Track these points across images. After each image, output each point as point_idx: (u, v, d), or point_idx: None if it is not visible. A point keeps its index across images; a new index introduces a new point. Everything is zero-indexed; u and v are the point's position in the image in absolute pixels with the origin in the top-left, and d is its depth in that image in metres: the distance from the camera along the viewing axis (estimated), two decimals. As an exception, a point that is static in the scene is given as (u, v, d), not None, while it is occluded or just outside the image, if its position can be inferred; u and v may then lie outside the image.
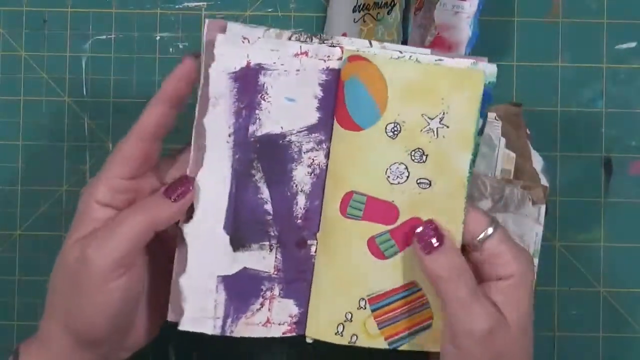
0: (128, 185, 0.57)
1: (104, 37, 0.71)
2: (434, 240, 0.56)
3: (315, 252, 0.59)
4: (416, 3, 0.67)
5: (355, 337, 0.59)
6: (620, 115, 0.71)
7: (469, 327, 0.55)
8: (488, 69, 0.56)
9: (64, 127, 0.71)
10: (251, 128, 0.57)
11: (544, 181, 0.68)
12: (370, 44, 0.57)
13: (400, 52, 0.57)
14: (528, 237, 0.68)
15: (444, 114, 0.56)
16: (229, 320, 0.59)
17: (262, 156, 0.58)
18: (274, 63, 0.57)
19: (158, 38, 0.71)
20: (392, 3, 0.67)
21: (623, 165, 0.71)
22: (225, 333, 0.59)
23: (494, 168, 0.67)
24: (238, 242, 0.58)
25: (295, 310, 0.60)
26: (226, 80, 0.57)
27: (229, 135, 0.57)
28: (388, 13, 0.67)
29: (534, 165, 0.68)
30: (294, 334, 0.60)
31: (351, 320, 0.59)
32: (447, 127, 0.56)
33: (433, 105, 0.56)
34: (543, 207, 0.67)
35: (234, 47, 0.56)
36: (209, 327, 0.58)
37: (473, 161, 0.57)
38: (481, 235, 0.56)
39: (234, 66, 0.57)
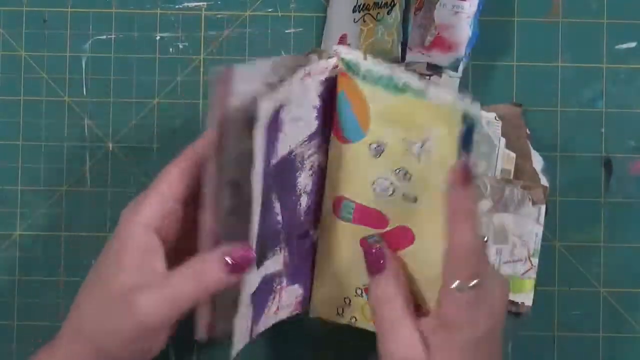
0: (176, 209, 0.57)
1: (104, 37, 0.71)
2: (376, 265, 0.57)
3: (317, 239, 0.61)
4: (416, 3, 0.67)
5: (354, 318, 0.62)
6: (620, 115, 0.71)
7: (389, 355, 0.56)
8: (472, 109, 0.54)
9: (64, 127, 0.71)
10: (272, 160, 0.56)
11: (544, 181, 0.68)
12: (365, 57, 0.57)
13: (391, 71, 0.56)
14: (528, 237, 0.68)
15: (424, 141, 0.56)
16: (255, 326, 0.59)
17: (277, 178, 0.57)
18: (288, 97, 0.56)
19: (158, 38, 0.71)
20: (392, 3, 0.67)
21: (623, 165, 0.71)
22: (252, 338, 0.59)
23: (494, 168, 0.67)
24: (261, 259, 0.58)
25: (300, 291, 0.62)
26: (263, 133, 0.55)
27: (262, 176, 0.56)
28: (388, 13, 0.67)
29: (534, 165, 0.68)
30: (298, 311, 0.62)
31: (350, 305, 0.62)
32: (430, 152, 0.56)
33: (414, 132, 0.56)
34: (543, 207, 0.67)
35: (268, 101, 0.54)
36: (245, 341, 0.59)
37: None
38: (456, 284, 0.54)
39: (267, 118, 0.55)
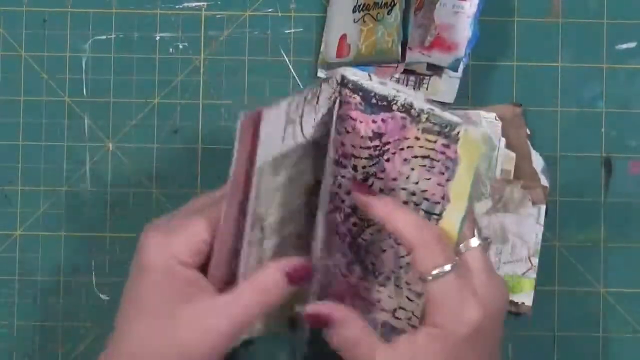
0: (204, 249, 0.55)
1: (104, 37, 0.71)
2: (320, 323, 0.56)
3: None
4: (416, 3, 0.67)
5: None
6: (620, 115, 0.71)
7: None
8: (482, 136, 0.55)
9: (64, 127, 0.71)
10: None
11: (544, 181, 0.68)
12: (370, 77, 0.57)
13: (397, 91, 0.56)
14: (528, 237, 0.68)
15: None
16: None
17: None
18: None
19: (158, 38, 0.71)
20: (392, 3, 0.67)
21: (623, 165, 0.71)
22: None
23: (494, 168, 0.67)
24: None
25: None
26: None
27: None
28: (388, 13, 0.67)
29: (533, 165, 0.68)
30: None
31: None
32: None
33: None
34: (543, 207, 0.67)
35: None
36: None
37: (464, 220, 0.56)
38: (432, 274, 0.54)
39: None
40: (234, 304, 0.53)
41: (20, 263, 0.70)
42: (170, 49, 0.71)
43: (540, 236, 0.68)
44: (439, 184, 0.56)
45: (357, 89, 0.57)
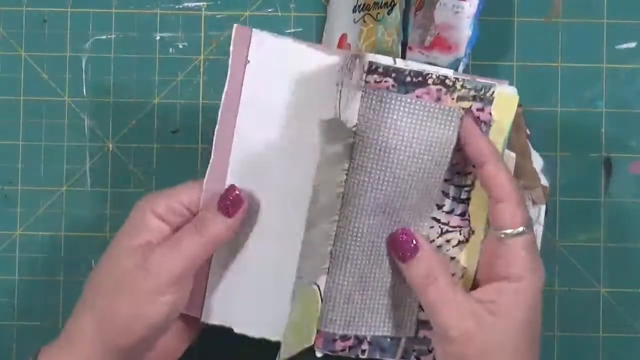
0: (184, 212, 0.59)
1: (104, 37, 0.71)
2: (409, 249, 0.58)
3: None
4: (416, 3, 0.67)
5: None
6: (620, 115, 0.71)
7: (443, 330, 0.56)
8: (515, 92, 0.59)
9: (64, 127, 0.71)
10: None
11: (544, 181, 0.68)
12: (395, 60, 0.58)
13: (425, 68, 0.58)
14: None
15: None
16: None
17: None
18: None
19: (158, 38, 0.71)
20: (392, 3, 0.67)
21: (623, 165, 0.71)
22: None
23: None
24: None
25: None
26: None
27: None
28: (388, 13, 0.67)
29: (534, 166, 0.68)
30: None
31: None
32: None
33: None
34: (543, 207, 0.67)
35: None
36: None
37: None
38: (508, 231, 0.56)
39: None
40: (177, 242, 0.57)
41: (20, 263, 0.70)
42: (170, 49, 0.71)
43: (540, 236, 0.67)
44: None
45: (388, 71, 0.57)
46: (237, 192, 0.58)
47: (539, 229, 0.67)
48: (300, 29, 0.71)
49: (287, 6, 0.71)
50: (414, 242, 0.58)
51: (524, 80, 0.71)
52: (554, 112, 0.71)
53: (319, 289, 0.59)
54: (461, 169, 0.58)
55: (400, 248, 0.58)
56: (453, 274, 0.59)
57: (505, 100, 0.58)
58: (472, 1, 0.66)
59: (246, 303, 0.60)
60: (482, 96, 0.58)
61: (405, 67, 0.57)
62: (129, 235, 0.58)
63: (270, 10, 0.71)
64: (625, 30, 0.71)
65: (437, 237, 0.59)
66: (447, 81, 0.58)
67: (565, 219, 0.70)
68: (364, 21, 0.68)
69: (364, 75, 0.57)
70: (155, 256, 0.56)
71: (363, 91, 0.57)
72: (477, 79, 0.58)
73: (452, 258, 0.59)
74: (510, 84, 0.59)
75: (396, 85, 0.57)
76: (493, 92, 0.58)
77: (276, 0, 0.71)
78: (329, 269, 0.59)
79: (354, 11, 0.69)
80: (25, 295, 0.70)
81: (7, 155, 0.70)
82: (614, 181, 0.71)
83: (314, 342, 0.59)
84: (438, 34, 0.67)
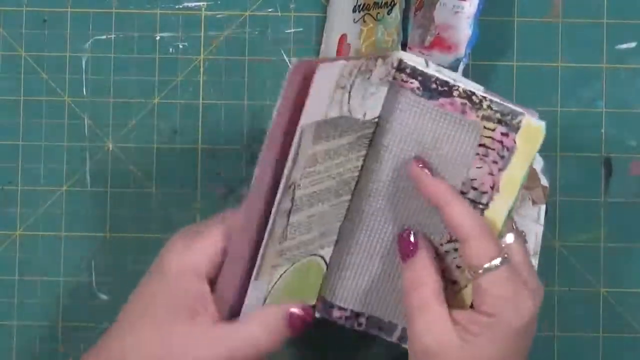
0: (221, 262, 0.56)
1: (104, 37, 0.71)
2: (408, 249, 0.57)
3: None
4: (416, 3, 0.67)
5: None
6: (620, 115, 0.71)
7: (416, 338, 0.55)
8: (543, 127, 0.56)
9: (64, 127, 0.71)
10: None
11: (544, 181, 0.68)
12: (427, 63, 0.57)
13: (455, 80, 0.57)
14: (528, 237, 0.68)
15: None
16: None
17: None
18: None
19: (158, 38, 0.71)
20: (392, 3, 0.67)
21: (623, 165, 0.71)
22: None
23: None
24: None
25: None
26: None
27: None
28: (388, 13, 0.67)
29: (534, 166, 0.68)
30: None
31: None
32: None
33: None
34: (543, 207, 0.67)
35: None
36: None
37: (511, 212, 0.57)
38: (486, 266, 0.54)
39: None
40: (231, 337, 0.54)
41: (20, 263, 0.70)
42: (170, 49, 0.71)
43: (540, 236, 0.67)
44: (490, 173, 0.57)
45: (415, 73, 0.57)
46: (309, 311, 0.57)
47: (539, 229, 0.67)
48: (300, 29, 0.71)
49: (287, 6, 0.71)
50: (414, 244, 0.57)
51: (524, 80, 0.71)
52: (554, 112, 0.71)
53: (324, 260, 0.60)
54: (478, 186, 0.57)
55: (401, 246, 0.58)
56: (455, 282, 0.58)
57: (532, 132, 0.56)
58: (472, 1, 0.66)
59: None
60: (508, 121, 0.56)
61: (434, 74, 0.57)
62: (169, 301, 0.54)
63: (270, 10, 0.71)
64: (625, 30, 0.71)
65: (446, 243, 0.58)
66: (474, 97, 0.57)
67: (565, 219, 0.70)
68: (364, 21, 0.68)
69: (393, 72, 0.57)
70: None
71: (390, 86, 0.57)
72: (507, 103, 0.56)
73: (458, 267, 0.58)
74: (541, 117, 0.56)
75: (421, 89, 0.57)
76: (520, 121, 0.56)
77: (276, 0, 0.71)
78: (337, 241, 0.60)
79: (354, 11, 0.69)
80: (25, 295, 0.70)
81: (7, 155, 0.70)
82: (614, 181, 0.71)
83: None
84: (438, 34, 0.67)
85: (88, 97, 0.71)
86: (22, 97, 0.71)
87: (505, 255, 0.54)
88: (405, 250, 0.57)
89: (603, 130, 0.71)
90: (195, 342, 0.53)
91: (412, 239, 0.57)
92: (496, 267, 0.54)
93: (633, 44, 0.71)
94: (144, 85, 0.71)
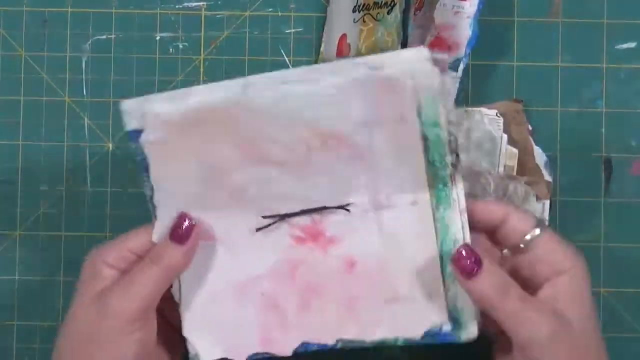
0: (133, 258, 0.58)
1: (104, 37, 0.71)
2: (472, 266, 0.55)
3: None
4: (416, 3, 0.68)
5: None
6: (620, 115, 0.71)
7: (530, 336, 0.54)
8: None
9: (64, 127, 0.71)
10: None
11: (547, 176, 0.68)
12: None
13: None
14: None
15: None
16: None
17: None
18: None
19: (158, 38, 0.71)
20: (392, 3, 0.67)
21: (623, 165, 0.71)
22: None
23: (496, 165, 0.67)
24: None
25: None
26: None
27: None
28: (388, 13, 0.67)
29: (536, 161, 0.68)
30: None
31: None
32: None
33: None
34: (547, 203, 0.67)
35: None
36: None
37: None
38: (528, 236, 0.56)
39: None
40: (131, 285, 0.56)
41: (20, 263, 0.70)
42: (170, 49, 0.71)
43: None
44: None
45: None
46: (189, 219, 0.57)
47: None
48: (300, 29, 0.71)
49: (287, 6, 0.72)
50: (476, 256, 0.55)
51: (524, 80, 0.71)
52: (554, 112, 0.71)
53: None
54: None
55: (462, 266, 0.55)
56: None
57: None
58: (472, 1, 0.66)
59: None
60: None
61: None
62: (84, 287, 0.57)
63: (270, 10, 0.71)
64: (625, 30, 0.71)
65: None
66: None
67: (565, 219, 0.70)
68: (364, 21, 0.68)
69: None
70: (112, 298, 0.56)
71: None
72: None
73: None
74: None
75: None
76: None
77: (276, 0, 0.72)
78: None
79: (354, 11, 0.69)
80: (25, 295, 0.70)
81: (7, 155, 0.70)
82: (614, 181, 0.71)
83: None
84: (438, 34, 0.67)
85: (88, 97, 0.71)
86: (22, 97, 0.71)
87: (542, 223, 0.57)
88: (469, 269, 0.55)
89: (603, 130, 0.71)
90: (110, 305, 0.56)
91: (473, 253, 0.55)
92: (539, 234, 0.57)
93: (633, 44, 0.71)
94: (144, 85, 0.71)
